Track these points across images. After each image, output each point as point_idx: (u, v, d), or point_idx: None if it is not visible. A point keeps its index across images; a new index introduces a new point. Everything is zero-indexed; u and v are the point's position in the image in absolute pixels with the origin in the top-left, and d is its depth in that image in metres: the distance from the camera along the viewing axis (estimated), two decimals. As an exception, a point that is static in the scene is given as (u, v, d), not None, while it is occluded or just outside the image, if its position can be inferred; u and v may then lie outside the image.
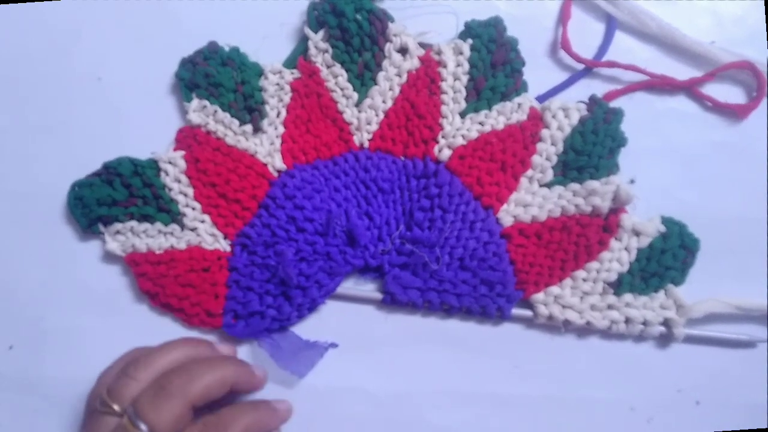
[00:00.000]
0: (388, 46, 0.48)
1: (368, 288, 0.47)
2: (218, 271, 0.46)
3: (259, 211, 0.47)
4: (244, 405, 0.41)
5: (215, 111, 0.48)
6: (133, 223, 0.47)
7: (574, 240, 0.45)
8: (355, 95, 0.48)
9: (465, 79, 0.48)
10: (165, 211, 0.47)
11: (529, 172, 0.47)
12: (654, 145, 0.48)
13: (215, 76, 0.48)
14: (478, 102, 0.47)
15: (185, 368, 0.39)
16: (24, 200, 0.49)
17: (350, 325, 0.46)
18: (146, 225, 0.47)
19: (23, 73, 0.51)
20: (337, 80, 0.48)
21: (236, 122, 0.48)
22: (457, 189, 0.46)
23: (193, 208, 0.47)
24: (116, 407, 0.37)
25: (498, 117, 0.47)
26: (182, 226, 0.47)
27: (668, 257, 0.45)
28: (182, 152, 0.48)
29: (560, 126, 0.47)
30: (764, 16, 0.49)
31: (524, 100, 0.47)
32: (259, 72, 0.49)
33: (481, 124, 0.47)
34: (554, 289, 0.45)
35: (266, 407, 0.42)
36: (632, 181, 0.47)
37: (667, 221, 0.46)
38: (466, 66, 0.48)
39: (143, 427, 0.35)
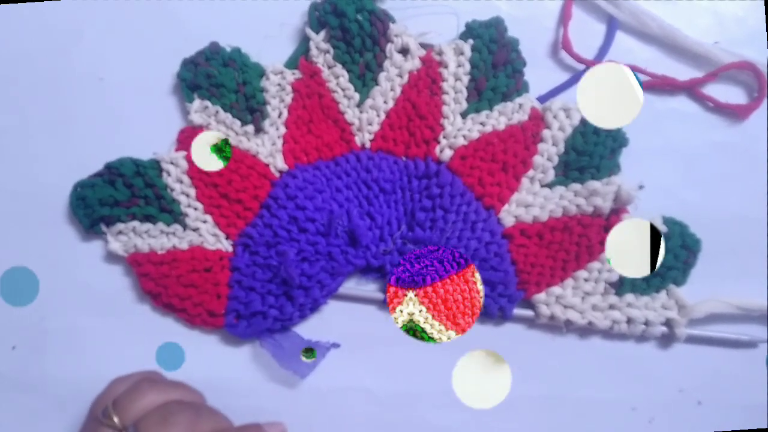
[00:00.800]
0: (389, 47, 0.48)
1: (370, 288, 0.47)
2: (220, 272, 0.46)
3: (261, 211, 0.47)
4: (232, 430, 0.39)
5: (217, 111, 0.48)
6: (136, 224, 0.47)
7: (576, 240, 0.45)
8: (357, 96, 0.48)
9: (466, 79, 0.48)
10: (167, 211, 0.47)
11: (531, 173, 0.47)
12: (655, 145, 0.48)
13: (217, 76, 0.48)
14: (479, 102, 0.48)
15: (195, 406, 0.38)
16: (26, 200, 0.49)
17: (352, 325, 0.46)
18: (148, 225, 0.47)
19: (25, 73, 0.51)
20: (338, 81, 0.48)
21: (238, 123, 0.48)
22: (459, 189, 0.46)
23: (195, 209, 0.47)
24: (117, 421, 0.37)
25: (499, 117, 0.47)
26: (184, 227, 0.47)
27: (669, 257, 0.45)
28: (184, 153, 0.48)
29: (561, 126, 0.47)
30: (765, 16, 0.49)
31: (525, 101, 0.47)
32: (261, 72, 0.49)
33: (482, 124, 0.47)
34: (556, 290, 0.45)
35: None
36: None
37: (668, 221, 0.46)
38: (467, 66, 0.48)
39: None
